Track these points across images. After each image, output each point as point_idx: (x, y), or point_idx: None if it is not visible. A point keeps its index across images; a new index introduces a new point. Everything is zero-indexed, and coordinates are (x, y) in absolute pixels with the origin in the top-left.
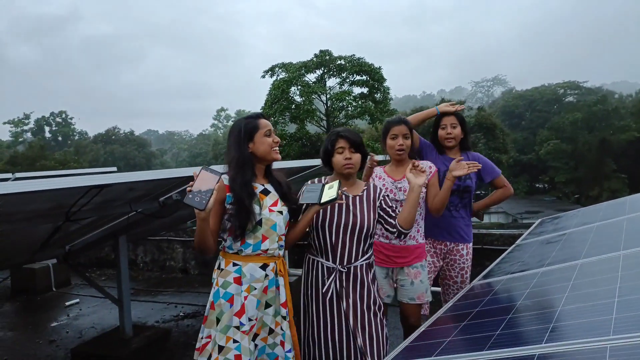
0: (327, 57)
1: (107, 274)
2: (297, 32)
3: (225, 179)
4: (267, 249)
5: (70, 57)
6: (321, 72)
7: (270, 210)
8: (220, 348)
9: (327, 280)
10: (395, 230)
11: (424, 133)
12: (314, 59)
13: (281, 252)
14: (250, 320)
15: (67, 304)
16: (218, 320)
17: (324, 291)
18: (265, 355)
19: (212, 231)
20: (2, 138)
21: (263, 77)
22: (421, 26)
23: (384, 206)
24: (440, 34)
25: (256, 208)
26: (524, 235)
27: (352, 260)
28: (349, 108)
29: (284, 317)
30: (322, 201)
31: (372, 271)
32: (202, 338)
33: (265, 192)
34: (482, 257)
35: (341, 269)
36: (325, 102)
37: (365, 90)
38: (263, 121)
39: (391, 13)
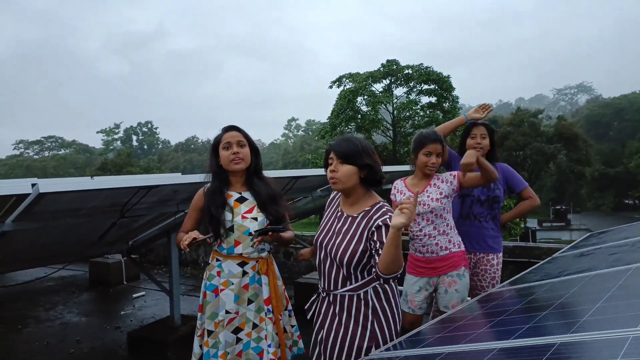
0: (395, 67)
1: None
2: (368, 41)
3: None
4: (242, 253)
5: (155, 70)
6: (388, 81)
7: (244, 217)
8: (210, 332)
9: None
10: (375, 272)
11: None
12: (381, 68)
13: (264, 254)
14: (228, 312)
15: (134, 296)
16: (206, 309)
17: (305, 308)
18: (251, 349)
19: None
20: (95, 146)
21: (330, 87)
22: (499, 29)
23: (373, 239)
24: (520, 38)
25: (228, 215)
26: (565, 248)
27: (332, 287)
28: (416, 117)
29: (266, 314)
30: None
31: (370, 306)
32: (200, 324)
33: (241, 200)
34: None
35: (322, 294)
36: (391, 111)
37: (433, 99)
38: (226, 134)
39: (466, 17)
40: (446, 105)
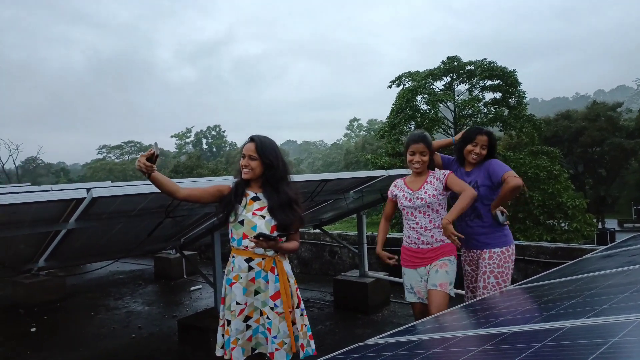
0: (456, 64)
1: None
2: (433, 37)
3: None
4: (247, 246)
5: (223, 76)
6: (449, 79)
7: (254, 214)
8: (228, 322)
9: None
10: None
11: None
12: (442, 66)
13: (269, 253)
14: (238, 304)
15: (192, 288)
16: (226, 300)
17: None
18: (260, 334)
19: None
20: (170, 150)
21: (390, 87)
22: (577, 19)
23: None
24: (600, 27)
25: (239, 208)
26: (600, 249)
27: None
28: (478, 115)
29: (271, 308)
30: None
31: None
32: (222, 315)
33: (255, 199)
34: None
35: None
36: (453, 109)
37: (498, 95)
38: (245, 146)
39: (540, 8)
40: (512, 100)
